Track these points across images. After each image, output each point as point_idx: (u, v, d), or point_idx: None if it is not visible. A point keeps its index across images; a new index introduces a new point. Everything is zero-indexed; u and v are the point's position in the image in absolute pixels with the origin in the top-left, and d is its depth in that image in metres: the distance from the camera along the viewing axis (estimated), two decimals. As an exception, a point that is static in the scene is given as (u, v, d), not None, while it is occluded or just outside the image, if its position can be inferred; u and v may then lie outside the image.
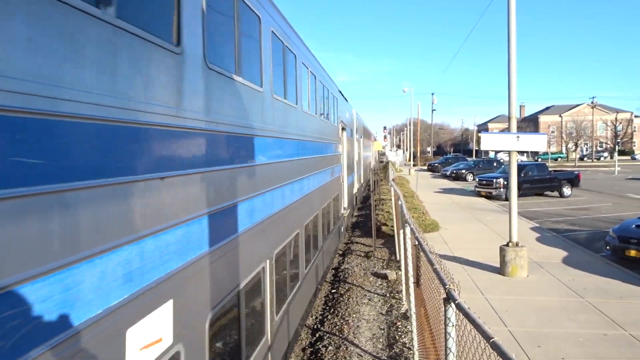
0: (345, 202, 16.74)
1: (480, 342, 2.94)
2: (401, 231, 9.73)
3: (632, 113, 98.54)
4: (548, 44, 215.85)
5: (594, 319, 8.39)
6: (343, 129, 16.09)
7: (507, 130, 11.44)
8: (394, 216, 15.39)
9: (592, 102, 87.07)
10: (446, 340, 3.36)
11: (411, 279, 7.38)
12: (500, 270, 11.13)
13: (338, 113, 14.50)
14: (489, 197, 27.10)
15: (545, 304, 9.19)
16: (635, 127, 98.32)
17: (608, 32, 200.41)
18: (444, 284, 3.59)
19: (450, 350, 3.37)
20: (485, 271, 11.47)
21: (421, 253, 5.48)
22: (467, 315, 2.99)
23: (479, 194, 28.19)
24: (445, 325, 3.38)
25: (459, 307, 3.15)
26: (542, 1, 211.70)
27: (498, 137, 12.00)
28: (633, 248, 12.01)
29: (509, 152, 11.44)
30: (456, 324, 3.41)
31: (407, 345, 7.89)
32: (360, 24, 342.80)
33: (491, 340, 2.56)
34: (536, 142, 11.30)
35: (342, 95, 17.53)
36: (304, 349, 8.53)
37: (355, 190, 21.33)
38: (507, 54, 10.93)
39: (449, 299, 3.38)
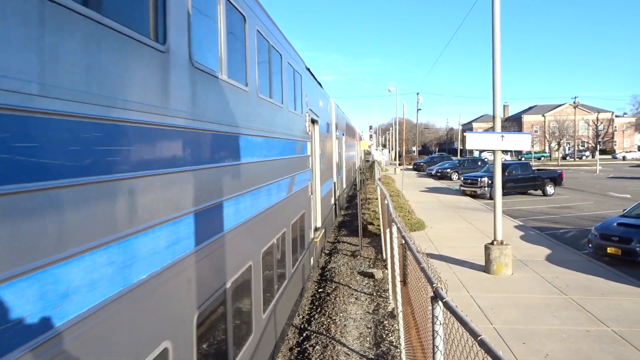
0: (317, 220, 12.37)
1: (467, 340, 2.96)
2: (387, 230, 9.76)
3: (612, 113, 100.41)
4: (532, 43, 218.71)
5: (577, 315, 8.52)
6: (314, 121, 11.66)
7: (492, 129, 11.55)
8: (380, 215, 15.44)
9: (574, 102, 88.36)
10: (434, 338, 3.38)
11: (398, 278, 7.42)
12: (486, 268, 11.24)
13: (304, 98, 10.11)
14: (473, 195, 27.35)
15: (530, 301, 9.30)
16: (616, 126, 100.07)
17: (590, 33, 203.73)
18: (431, 283, 3.61)
19: (438, 348, 3.39)
20: (471, 269, 11.57)
21: (408, 252, 5.50)
22: (454, 313, 3.01)
23: (464, 193, 28.44)
24: (433, 323, 3.40)
25: (447, 305, 3.17)
26: (526, 1, 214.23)
27: (483, 136, 12.10)
28: (614, 245, 12.23)
29: (494, 152, 11.55)
30: (443, 322, 3.42)
31: (394, 344, 7.92)
32: (348, 23, 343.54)
33: (479, 338, 2.58)
34: (520, 142, 11.42)
35: (314, 78, 12.81)
36: (291, 349, 8.52)
37: (333, 200, 16.89)
38: (492, 55, 11.03)
39: (436, 297, 3.40)
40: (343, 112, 23.59)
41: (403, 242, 6.04)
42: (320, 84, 14.36)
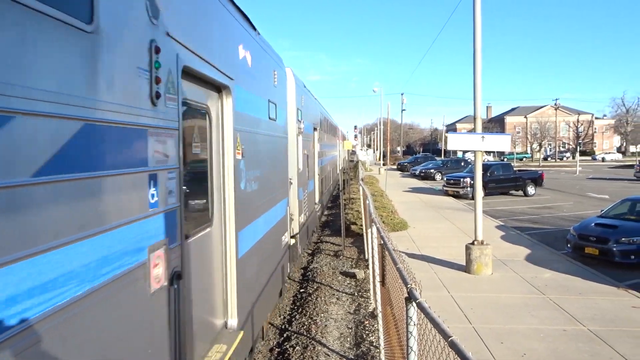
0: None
1: (440, 340, 2.96)
2: (369, 230, 9.78)
3: (592, 115, 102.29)
4: (514, 45, 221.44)
5: (555, 315, 8.62)
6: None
7: (474, 130, 11.65)
8: (363, 215, 15.47)
9: (555, 104, 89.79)
10: (408, 339, 3.38)
11: (377, 278, 7.42)
12: (466, 268, 11.33)
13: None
14: (456, 196, 27.57)
15: (509, 300, 9.39)
16: (595, 128, 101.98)
17: (571, 35, 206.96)
18: (405, 283, 3.61)
19: (412, 349, 3.39)
20: (452, 269, 11.65)
21: (386, 252, 5.51)
22: (427, 314, 3.01)
23: (446, 193, 28.66)
24: (407, 324, 3.40)
25: (420, 306, 3.17)
26: (508, 4, 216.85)
27: (464, 137, 12.21)
28: (592, 245, 12.43)
29: (474, 152, 11.65)
30: (418, 322, 3.42)
31: (374, 344, 7.93)
32: (334, 23, 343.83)
33: (449, 339, 2.58)
34: (501, 142, 11.54)
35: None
36: (271, 350, 8.47)
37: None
38: (473, 57, 11.12)
39: (410, 297, 3.40)
40: (317, 100, 17.76)
41: (382, 242, 6.04)
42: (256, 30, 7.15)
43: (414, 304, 3.32)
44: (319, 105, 18.85)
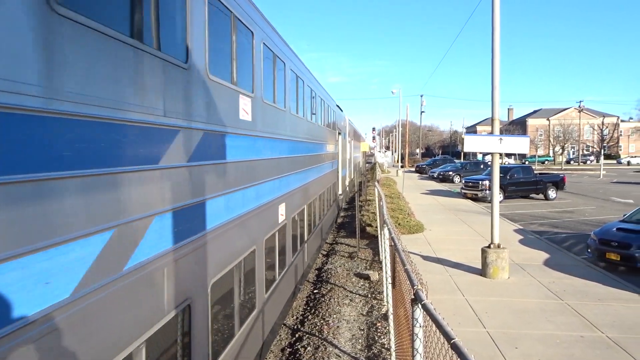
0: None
1: (444, 343, 2.91)
2: (382, 232, 9.72)
3: (618, 117, 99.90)
4: (537, 47, 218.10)
5: (572, 320, 8.43)
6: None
7: (492, 132, 11.48)
8: (378, 217, 15.39)
9: (579, 106, 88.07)
10: (413, 340, 3.33)
11: (389, 280, 7.36)
12: (482, 271, 11.17)
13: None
14: (474, 199, 27.24)
15: (525, 305, 9.22)
16: (621, 131, 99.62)
17: (596, 36, 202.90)
18: (412, 285, 3.56)
19: (417, 351, 3.35)
20: (467, 272, 11.50)
21: (397, 254, 5.46)
22: (431, 315, 2.96)
23: (465, 196, 28.33)
24: (413, 325, 3.35)
25: (425, 307, 3.12)
26: (533, 5, 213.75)
27: (481, 139, 12.03)
28: (613, 251, 12.12)
29: (492, 154, 11.48)
30: (424, 325, 3.37)
31: (386, 346, 7.87)
32: (355, 24, 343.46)
33: (452, 341, 2.53)
34: (519, 145, 11.34)
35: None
36: (282, 350, 8.48)
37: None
38: (491, 57, 10.96)
39: (416, 299, 3.35)
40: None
41: (392, 243, 5.99)
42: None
43: (420, 305, 3.28)
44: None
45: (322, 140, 14.43)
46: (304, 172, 10.63)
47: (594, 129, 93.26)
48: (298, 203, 9.91)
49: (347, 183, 26.23)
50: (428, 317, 3.21)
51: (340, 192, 21.56)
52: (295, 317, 9.97)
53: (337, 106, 21.41)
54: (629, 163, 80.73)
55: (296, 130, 9.68)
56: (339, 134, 20.70)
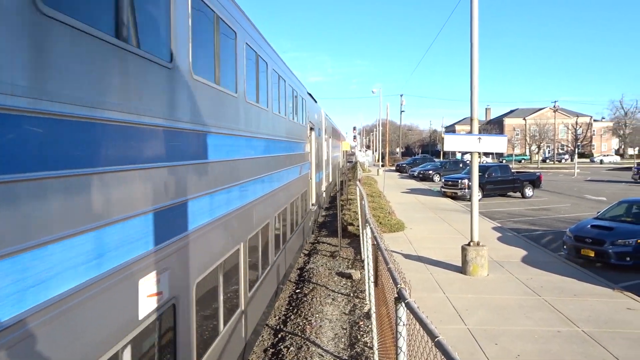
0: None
1: (428, 341, 2.95)
2: (364, 230, 9.78)
3: (591, 117, 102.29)
4: (514, 47, 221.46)
5: (550, 316, 8.62)
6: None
7: (471, 132, 11.65)
8: (360, 216, 15.46)
9: (554, 106, 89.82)
10: (397, 339, 3.37)
11: (372, 279, 7.42)
12: (462, 269, 11.32)
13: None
14: (454, 197, 27.57)
15: (504, 302, 9.39)
16: (594, 130, 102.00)
17: (571, 37, 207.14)
18: (396, 283, 3.60)
19: (401, 350, 3.39)
20: (448, 270, 11.64)
21: (379, 253, 5.50)
22: (415, 314, 3.00)
23: (444, 195, 28.65)
24: (396, 324, 3.39)
25: (409, 306, 3.16)
26: (508, 5, 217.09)
27: (461, 138, 12.20)
28: (588, 247, 12.43)
29: (471, 154, 11.65)
30: (407, 323, 3.42)
31: (369, 345, 7.92)
32: (336, 24, 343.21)
33: (436, 339, 2.58)
34: (497, 144, 11.53)
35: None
36: (265, 350, 8.46)
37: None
38: (470, 58, 11.13)
39: (400, 298, 3.39)
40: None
41: (375, 242, 6.04)
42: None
43: (403, 304, 3.32)
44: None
45: (281, 136, 9.81)
46: (237, 188, 6.09)
47: (568, 128, 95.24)
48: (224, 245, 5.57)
49: (323, 189, 22.03)
50: (411, 316, 3.26)
51: (314, 201, 17.56)
52: (277, 317, 9.96)
53: (310, 95, 16.92)
54: (601, 161, 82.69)
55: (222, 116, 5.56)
56: (312, 129, 16.39)
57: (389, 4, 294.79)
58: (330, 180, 28.34)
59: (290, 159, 11.13)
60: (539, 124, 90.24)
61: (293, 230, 11.93)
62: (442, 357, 2.59)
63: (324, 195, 22.04)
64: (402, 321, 3.37)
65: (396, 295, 3.46)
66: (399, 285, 3.45)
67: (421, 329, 3.03)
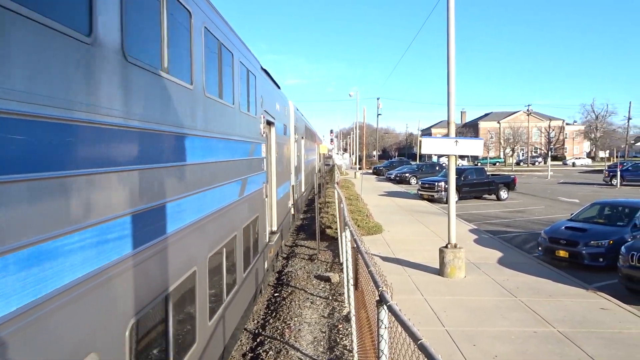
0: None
1: (410, 343, 2.93)
2: (343, 233, 9.76)
3: (563, 121, 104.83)
4: (489, 51, 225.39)
5: (526, 317, 8.74)
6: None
7: (448, 135, 11.77)
8: (338, 219, 15.45)
9: (527, 110, 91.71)
10: (378, 342, 3.34)
11: (351, 282, 7.39)
12: (440, 271, 11.41)
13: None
14: (431, 200, 27.84)
15: (481, 303, 9.49)
16: (566, 134, 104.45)
17: (544, 42, 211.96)
18: (377, 286, 3.58)
19: (383, 353, 3.36)
20: (425, 272, 11.71)
21: (359, 256, 5.48)
22: (397, 317, 2.98)
23: (421, 197, 28.91)
24: (378, 327, 3.36)
25: (391, 309, 3.14)
26: (483, 10, 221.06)
27: (438, 141, 12.31)
28: (562, 248, 12.67)
29: (448, 157, 11.77)
30: (389, 326, 3.39)
31: (348, 348, 7.89)
32: (313, 26, 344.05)
33: (419, 342, 2.56)
34: (473, 147, 11.68)
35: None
36: (244, 355, 8.35)
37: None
38: (447, 62, 11.24)
39: (381, 301, 3.37)
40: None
41: (355, 245, 6.01)
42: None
43: (385, 307, 3.30)
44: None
45: (193, 128, 5.05)
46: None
47: (541, 131, 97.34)
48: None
49: (290, 205, 16.26)
50: (393, 318, 3.23)
51: (274, 227, 12.11)
52: (256, 322, 9.85)
53: (267, 74, 11.52)
54: (574, 164, 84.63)
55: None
56: (270, 124, 11.41)
57: (366, 7, 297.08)
58: (303, 190, 23.69)
59: (225, 169, 6.52)
60: (513, 127, 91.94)
61: (231, 289, 6.96)
62: (425, 359, 2.58)
63: (292, 211, 17.09)
64: (383, 324, 3.35)
65: (378, 298, 3.44)
66: (380, 288, 3.43)
67: (403, 331, 3.00)
